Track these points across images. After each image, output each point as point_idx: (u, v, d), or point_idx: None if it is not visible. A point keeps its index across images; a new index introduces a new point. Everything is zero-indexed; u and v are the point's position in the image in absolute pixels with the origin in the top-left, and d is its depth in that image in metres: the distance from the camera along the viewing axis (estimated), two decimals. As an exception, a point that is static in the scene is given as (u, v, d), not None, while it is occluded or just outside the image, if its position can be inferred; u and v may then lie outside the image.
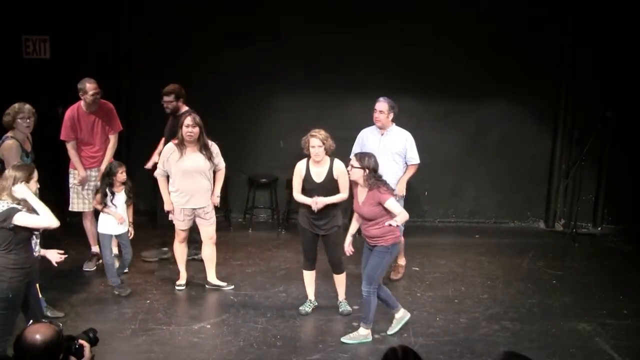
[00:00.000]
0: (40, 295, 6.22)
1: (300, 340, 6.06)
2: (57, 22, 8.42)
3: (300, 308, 6.64)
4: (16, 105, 6.27)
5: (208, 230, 6.95)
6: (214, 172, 6.89)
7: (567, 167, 9.27)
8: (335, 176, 6.25)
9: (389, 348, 3.15)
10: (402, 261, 7.43)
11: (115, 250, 7.05)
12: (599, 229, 9.37)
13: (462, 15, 8.77)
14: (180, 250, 7.05)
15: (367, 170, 5.76)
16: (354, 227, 6.19)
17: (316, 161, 6.23)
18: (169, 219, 7.02)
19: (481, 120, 9.21)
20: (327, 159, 6.27)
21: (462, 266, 7.91)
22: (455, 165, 9.31)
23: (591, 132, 8.83)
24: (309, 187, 6.27)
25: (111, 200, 6.69)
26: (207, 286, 7.12)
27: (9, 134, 6.26)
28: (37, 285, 6.17)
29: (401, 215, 5.80)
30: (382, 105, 6.97)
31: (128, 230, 6.83)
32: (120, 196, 6.73)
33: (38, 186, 5.22)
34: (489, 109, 9.19)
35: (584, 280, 7.64)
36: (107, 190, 6.68)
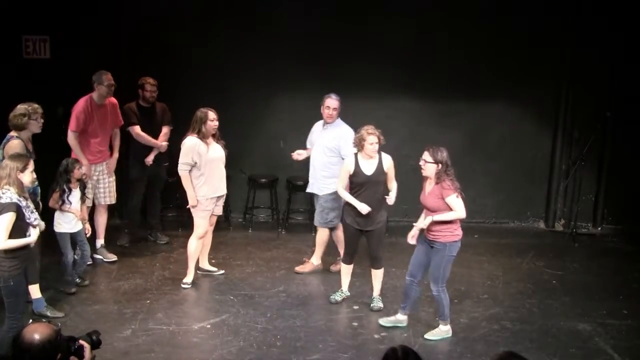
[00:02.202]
0: (40, 295, 6.26)
1: (300, 340, 6.05)
2: (57, 22, 8.42)
3: (331, 297, 6.83)
4: (28, 106, 6.30)
5: (215, 217, 7.26)
6: None
7: (567, 167, 9.27)
8: (385, 169, 6.46)
9: (389, 348, 3.15)
10: (316, 260, 7.56)
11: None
12: (599, 229, 9.37)
13: (462, 15, 8.77)
14: (195, 247, 7.05)
15: (440, 165, 5.85)
16: (421, 220, 6.14)
17: (371, 156, 6.41)
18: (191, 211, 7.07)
19: (481, 120, 9.21)
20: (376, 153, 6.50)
21: (462, 266, 7.89)
22: (455, 165, 9.22)
23: (591, 132, 8.84)
24: (360, 181, 6.45)
25: (67, 197, 6.65)
26: (198, 272, 7.27)
27: (14, 133, 6.27)
28: (37, 284, 6.22)
29: (450, 215, 5.87)
30: (334, 102, 7.25)
31: (84, 227, 6.80)
32: (76, 193, 6.72)
33: (35, 176, 5.38)
34: (489, 109, 9.19)
35: (584, 280, 7.64)
36: (65, 187, 6.65)
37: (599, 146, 9.03)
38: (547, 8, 8.82)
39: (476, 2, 8.82)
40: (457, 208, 5.85)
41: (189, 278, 7.10)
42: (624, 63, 8.77)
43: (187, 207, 7.04)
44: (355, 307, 6.70)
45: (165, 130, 8.02)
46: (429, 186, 5.97)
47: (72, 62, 8.41)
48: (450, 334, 6.20)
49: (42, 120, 6.40)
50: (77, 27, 8.50)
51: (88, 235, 6.86)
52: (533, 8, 8.80)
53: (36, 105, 6.36)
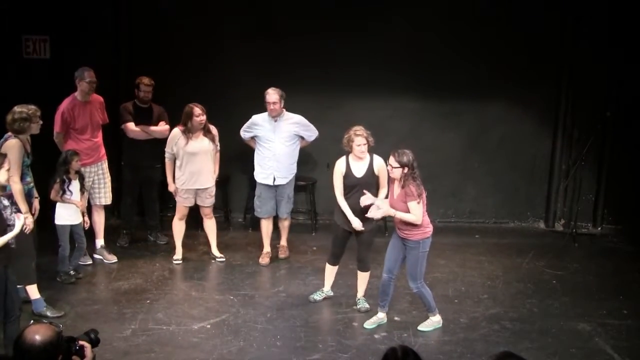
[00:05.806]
0: (39, 295, 6.26)
1: (300, 340, 6.06)
2: (57, 22, 8.42)
3: (311, 296, 6.82)
4: (28, 110, 6.23)
5: (207, 209, 7.69)
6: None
7: (567, 167, 9.27)
8: (376, 172, 6.44)
9: (389, 348, 3.15)
10: (284, 241, 8.02)
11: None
12: (599, 229, 9.36)
13: (463, 15, 8.78)
14: (178, 227, 7.66)
15: (405, 168, 5.86)
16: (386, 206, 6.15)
17: (360, 157, 6.37)
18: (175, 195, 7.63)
19: (481, 120, 9.21)
20: (367, 154, 6.44)
21: (462, 266, 7.91)
22: (455, 165, 9.31)
23: (591, 132, 8.83)
24: (350, 183, 6.43)
25: (67, 187, 6.77)
26: (212, 261, 7.76)
27: (12, 133, 6.24)
28: (35, 285, 6.22)
29: (408, 217, 5.90)
30: (275, 97, 7.45)
31: (83, 220, 6.92)
32: (76, 184, 6.86)
33: (7, 177, 5.33)
34: (489, 109, 9.19)
35: (584, 280, 7.64)
36: (64, 177, 6.76)
37: (599, 146, 9.03)
38: (547, 8, 8.82)
39: (476, 3, 8.82)
40: (415, 214, 5.89)
41: (177, 255, 7.69)
42: (623, 63, 8.76)
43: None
44: (355, 307, 6.69)
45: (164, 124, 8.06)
46: (397, 189, 5.99)
47: (72, 62, 8.39)
48: (440, 324, 6.30)
49: (41, 122, 6.37)
50: (77, 27, 8.49)
51: (86, 227, 6.98)
52: (533, 8, 8.80)
53: (33, 107, 6.30)
